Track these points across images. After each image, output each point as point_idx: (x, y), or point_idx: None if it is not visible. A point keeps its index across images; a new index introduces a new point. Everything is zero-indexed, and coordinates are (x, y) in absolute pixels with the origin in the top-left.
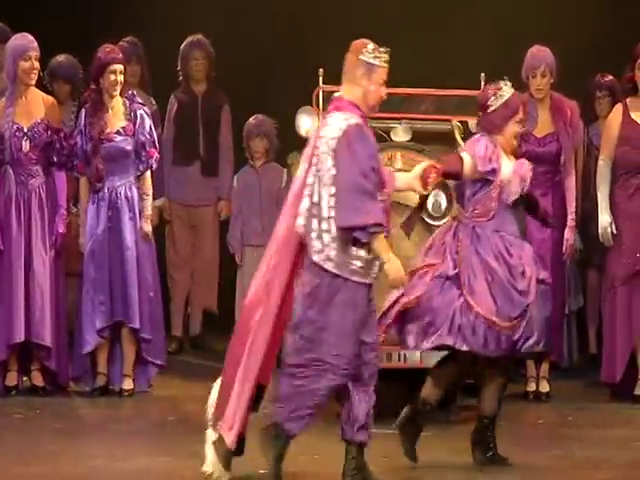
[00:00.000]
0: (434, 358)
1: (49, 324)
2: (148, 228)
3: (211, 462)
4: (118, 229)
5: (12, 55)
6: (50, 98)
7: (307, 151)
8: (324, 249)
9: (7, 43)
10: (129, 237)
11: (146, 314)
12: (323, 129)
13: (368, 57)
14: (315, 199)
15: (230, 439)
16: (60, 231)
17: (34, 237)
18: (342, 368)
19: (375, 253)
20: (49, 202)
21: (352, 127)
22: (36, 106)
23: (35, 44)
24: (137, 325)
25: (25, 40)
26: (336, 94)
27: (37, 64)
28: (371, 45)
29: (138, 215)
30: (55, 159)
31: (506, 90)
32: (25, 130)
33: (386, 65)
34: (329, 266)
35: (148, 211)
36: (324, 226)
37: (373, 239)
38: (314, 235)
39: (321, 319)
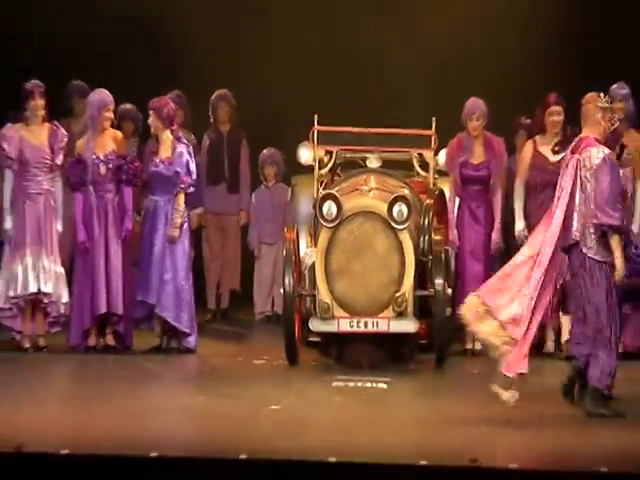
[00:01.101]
0: (397, 327)
1: (121, 298)
2: (174, 234)
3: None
4: (153, 233)
5: (97, 107)
6: (119, 133)
7: (566, 179)
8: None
9: (89, 96)
10: (160, 239)
11: (172, 297)
12: (585, 160)
13: (602, 104)
14: (584, 210)
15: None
16: (128, 227)
17: (110, 235)
18: None
19: (612, 248)
20: (119, 209)
21: (609, 155)
22: (109, 140)
23: (112, 98)
24: (168, 313)
25: (105, 95)
26: (581, 136)
27: (112, 114)
28: (602, 94)
29: (172, 223)
30: (124, 178)
31: None
32: (102, 158)
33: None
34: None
35: (175, 222)
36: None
37: (613, 237)
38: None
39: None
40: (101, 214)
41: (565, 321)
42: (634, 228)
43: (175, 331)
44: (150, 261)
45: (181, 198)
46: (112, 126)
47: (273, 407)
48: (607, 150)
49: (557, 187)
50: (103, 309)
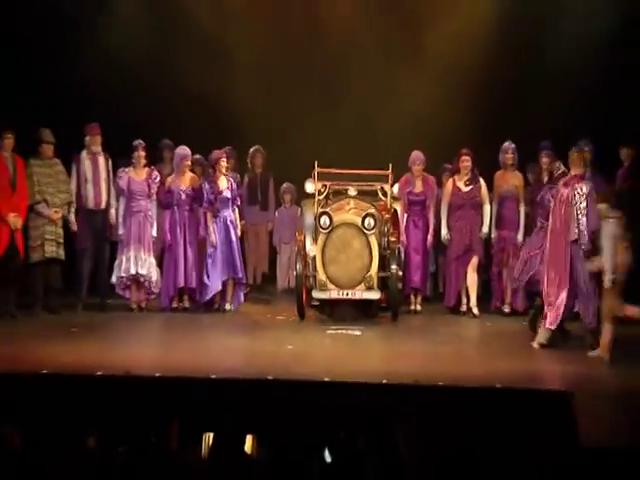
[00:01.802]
0: (367, 295)
1: (194, 277)
2: (239, 232)
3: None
4: (228, 234)
5: (180, 158)
6: (194, 175)
7: (562, 196)
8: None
9: (176, 150)
10: (233, 236)
11: (242, 270)
12: (578, 188)
13: (573, 156)
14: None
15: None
16: (202, 234)
17: (187, 237)
18: None
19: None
20: (194, 223)
21: (592, 187)
22: (187, 179)
23: (189, 152)
24: (240, 276)
25: (186, 150)
26: (572, 174)
27: (190, 164)
28: (577, 148)
29: (234, 227)
30: (197, 203)
31: None
32: (182, 189)
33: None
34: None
35: (238, 224)
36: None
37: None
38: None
39: None
40: (181, 224)
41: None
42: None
43: (237, 292)
44: (232, 251)
45: (237, 212)
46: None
47: (289, 346)
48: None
49: (556, 207)
50: (182, 283)
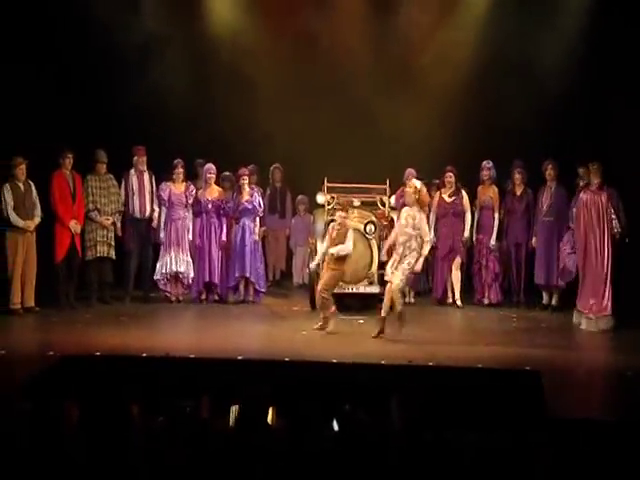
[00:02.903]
0: (369, 290)
1: (218, 274)
2: (257, 238)
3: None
4: (244, 239)
5: (206, 171)
6: (219, 188)
7: (586, 202)
8: None
9: (204, 167)
10: (249, 241)
11: (256, 271)
12: (602, 195)
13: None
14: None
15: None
16: (224, 240)
17: (212, 242)
18: None
19: None
20: (220, 229)
21: (611, 193)
22: (214, 191)
23: (214, 169)
24: (247, 275)
25: (211, 167)
26: (596, 182)
27: (214, 177)
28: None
29: (252, 233)
30: (222, 212)
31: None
32: (209, 199)
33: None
34: None
35: (257, 232)
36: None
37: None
38: None
39: None
40: (208, 230)
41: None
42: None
43: (255, 290)
44: (243, 253)
45: (258, 220)
46: (216, 183)
47: (303, 332)
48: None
49: (580, 212)
50: (207, 278)
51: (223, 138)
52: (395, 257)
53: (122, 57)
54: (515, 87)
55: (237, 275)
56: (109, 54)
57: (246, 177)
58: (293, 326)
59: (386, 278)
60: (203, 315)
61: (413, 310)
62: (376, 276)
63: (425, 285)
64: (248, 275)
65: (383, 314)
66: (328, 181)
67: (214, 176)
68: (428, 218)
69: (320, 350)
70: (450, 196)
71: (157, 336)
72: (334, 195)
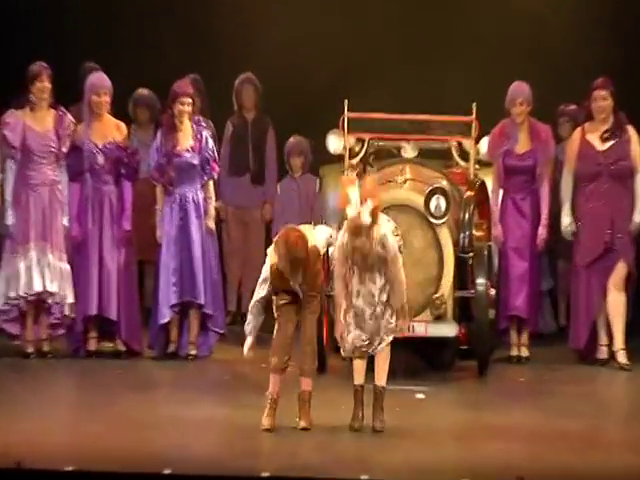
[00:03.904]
0: (435, 331)
1: (115, 302)
2: (212, 225)
3: None
4: (187, 226)
5: (88, 91)
6: (121, 123)
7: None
8: None
9: (87, 79)
10: (195, 232)
11: (210, 293)
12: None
13: None
14: None
15: None
16: (126, 228)
17: (105, 232)
18: None
19: None
20: (118, 205)
21: None
22: (109, 129)
23: (107, 83)
24: (202, 302)
25: (98, 79)
26: None
27: (107, 98)
28: None
29: (203, 215)
30: (123, 171)
31: None
32: (100, 147)
33: None
34: None
35: (212, 212)
36: None
37: None
38: None
39: None
40: (97, 208)
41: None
42: None
43: (205, 331)
44: (191, 259)
45: (211, 186)
46: (118, 112)
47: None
48: None
49: None
50: (94, 311)
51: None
52: None
53: None
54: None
55: (171, 302)
56: None
57: (186, 100)
58: (281, 407)
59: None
60: (93, 384)
61: (527, 373)
62: (450, 303)
63: (551, 321)
64: (199, 301)
65: None
66: (351, 109)
67: (107, 99)
68: (553, 180)
69: (335, 456)
70: (605, 138)
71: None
72: (362, 136)
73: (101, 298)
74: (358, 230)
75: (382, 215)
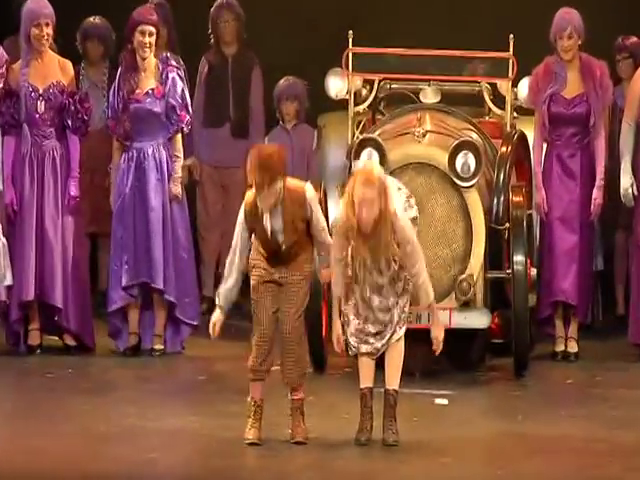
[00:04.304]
0: (462, 321)
1: (60, 285)
2: (177, 190)
3: None
4: (144, 189)
5: (25, 20)
6: (67, 62)
7: None
8: None
9: (24, 6)
10: (154, 197)
11: (172, 276)
12: None
13: None
14: None
15: None
16: (72, 194)
17: (46, 199)
18: None
19: None
20: (63, 165)
21: None
22: (52, 69)
23: (47, 10)
24: (161, 286)
25: (37, 6)
26: None
27: (49, 30)
28: None
29: (167, 177)
30: (69, 122)
31: None
32: (40, 92)
33: None
34: None
35: (178, 173)
36: None
37: None
38: None
39: None
40: (36, 168)
41: None
42: None
43: (174, 322)
44: (148, 232)
45: (179, 140)
46: (73, 49)
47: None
48: None
49: None
50: (31, 295)
51: None
52: None
53: None
54: None
55: (126, 283)
56: None
57: (147, 29)
58: (268, 415)
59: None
60: (37, 387)
61: (575, 373)
62: (482, 286)
63: (606, 310)
64: (156, 285)
65: None
66: (357, 43)
67: (49, 31)
68: (610, 131)
69: (335, 476)
70: None
71: None
72: (372, 77)
73: (42, 280)
74: (370, 177)
75: (390, 179)
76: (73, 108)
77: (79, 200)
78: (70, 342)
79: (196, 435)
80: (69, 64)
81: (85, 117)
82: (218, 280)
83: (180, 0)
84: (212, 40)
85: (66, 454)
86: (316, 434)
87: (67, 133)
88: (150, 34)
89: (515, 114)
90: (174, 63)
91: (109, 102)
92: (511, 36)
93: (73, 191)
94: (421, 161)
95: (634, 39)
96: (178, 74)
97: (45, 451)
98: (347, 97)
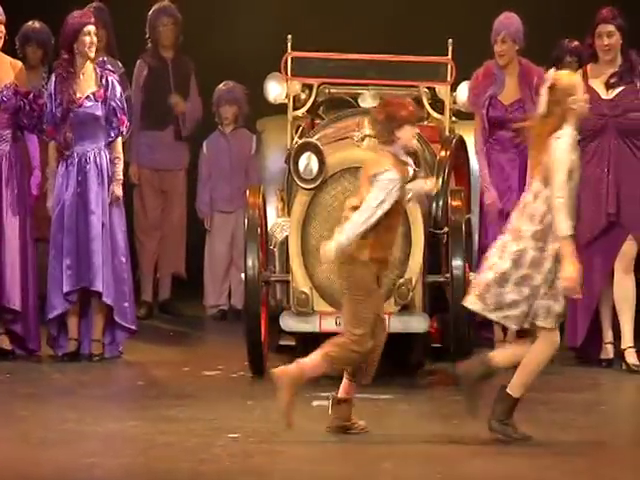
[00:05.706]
0: (400, 325)
1: (18, 288)
2: (119, 192)
3: None
4: (85, 194)
5: None
6: (18, 62)
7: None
8: None
9: None
10: (95, 202)
11: (112, 280)
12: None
13: None
14: None
15: None
16: (34, 194)
17: (4, 202)
18: None
19: None
20: (18, 167)
21: None
22: (4, 70)
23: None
24: (100, 289)
25: None
26: None
27: (1, 27)
28: None
29: (107, 181)
30: (25, 122)
31: None
32: None
33: None
34: None
35: (119, 176)
36: None
37: None
38: None
39: None
40: None
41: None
42: None
43: (112, 326)
44: (89, 236)
45: (119, 143)
46: (10, 50)
47: (231, 435)
48: None
49: None
50: None
51: None
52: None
53: None
54: None
55: (68, 289)
56: None
57: (86, 31)
58: (208, 421)
59: (470, 303)
60: None
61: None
62: (420, 291)
63: None
64: (95, 288)
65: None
66: (296, 47)
67: (1, 27)
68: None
69: None
70: (610, 85)
71: None
72: (311, 81)
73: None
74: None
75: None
76: (28, 108)
77: (36, 200)
78: (6, 346)
79: (135, 440)
80: (20, 64)
81: (41, 114)
82: (156, 284)
83: (118, 3)
84: (150, 44)
85: (4, 460)
86: (257, 438)
87: (25, 133)
88: (94, 34)
89: (454, 118)
90: (110, 67)
91: (46, 108)
92: (450, 40)
93: (35, 191)
94: (360, 165)
95: (577, 43)
96: (115, 78)
97: None
98: (286, 101)
